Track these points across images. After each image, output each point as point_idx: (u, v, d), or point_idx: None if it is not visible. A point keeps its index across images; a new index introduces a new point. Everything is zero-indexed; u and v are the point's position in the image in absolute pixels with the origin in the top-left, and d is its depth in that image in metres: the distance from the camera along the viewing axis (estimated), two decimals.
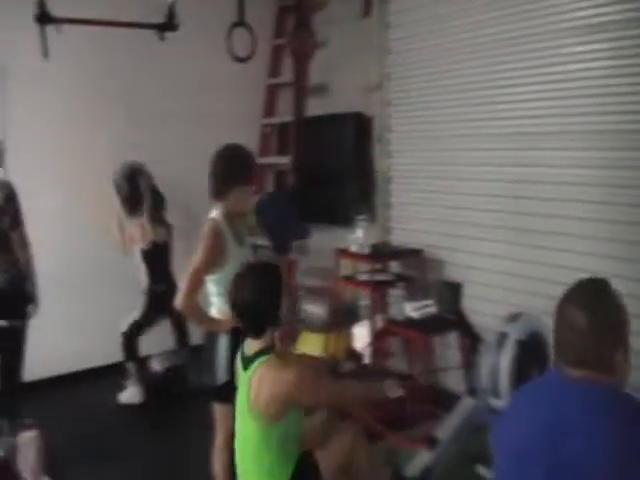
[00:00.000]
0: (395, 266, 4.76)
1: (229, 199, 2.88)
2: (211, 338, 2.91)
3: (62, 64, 4.59)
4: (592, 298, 1.75)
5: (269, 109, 5.84)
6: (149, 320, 4.69)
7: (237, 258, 2.84)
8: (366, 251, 4.35)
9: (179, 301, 2.74)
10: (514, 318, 3.20)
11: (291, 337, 5.06)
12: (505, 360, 3.09)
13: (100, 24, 4.34)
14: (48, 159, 4.85)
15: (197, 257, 2.78)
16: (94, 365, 5.06)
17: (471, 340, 3.30)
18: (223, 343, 2.87)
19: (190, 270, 2.76)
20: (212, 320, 2.89)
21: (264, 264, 2.56)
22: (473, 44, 4.27)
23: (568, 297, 1.77)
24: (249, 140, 5.69)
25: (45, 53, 4.09)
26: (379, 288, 4.26)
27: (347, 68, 5.29)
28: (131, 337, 4.65)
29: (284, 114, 5.78)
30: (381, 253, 4.49)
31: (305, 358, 3.04)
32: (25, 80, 4.70)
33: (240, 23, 4.09)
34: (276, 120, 5.80)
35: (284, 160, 5.36)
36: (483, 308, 3.99)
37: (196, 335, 4.68)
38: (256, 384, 2.32)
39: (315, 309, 4.81)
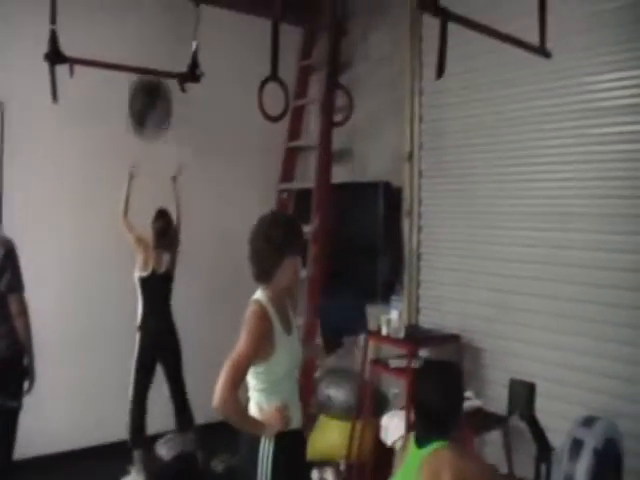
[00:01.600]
0: (424, 351, 4.48)
1: (278, 276, 2.56)
2: (252, 443, 2.53)
3: (68, 107, 4.29)
4: None
5: (287, 174, 5.66)
6: (145, 364, 4.47)
7: (285, 348, 2.53)
8: (401, 335, 4.10)
9: (217, 397, 2.32)
10: (589, 422, 2.97)
11: (307, 423, 4.85)
12: (581, 472, 2.86)
13: (120, 69, 4.14)
14: (49, 211, 4.64)
15: (240, 345, 2.43)
16: (97, 443, 4.75)
17: (538, 444, 3.03)
18: (267, 450, 2.51)
19: (231, 360, 2.39)
20: (255, 422, 2.50)
21: (448, 363, 2.77)
22: (509, 118, 4.16)
23: None
24: (265, 206, 5.51)
25: (54, 96, 3.85)
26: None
27: (374, 134, 5.19)
28: (136, 400, 4.41)
29: (301, 180, 5.62)
30: (417, 338, 4.22)
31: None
32: (26, 121, 4.49)
33: (273, 78, 3.88)
34: (295, 186, 5.62)
35: (306, 229, 5.11)
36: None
37: (201, 413, 4.43)
38: (433, 465, 2.28)
39: (338, 393, 4.51)
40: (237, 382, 2.37)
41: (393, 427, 4.10)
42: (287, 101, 4.05)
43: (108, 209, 4.68)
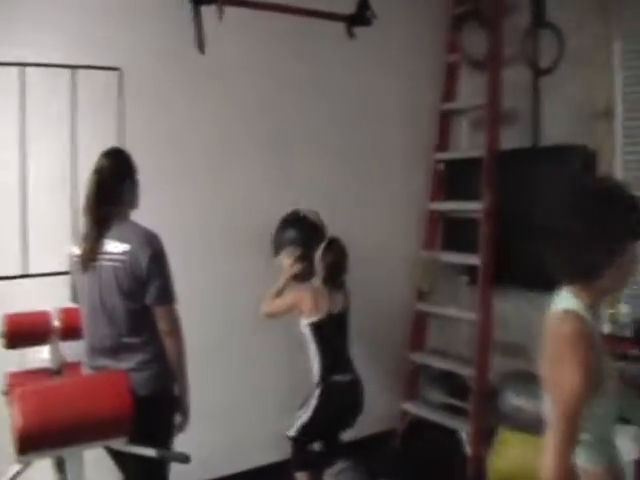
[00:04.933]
0: None
1: (609, 274, 1.76)
2: None
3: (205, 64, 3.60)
4: None
5: (442, 141, 4.97)
6: (325, 424, 3.66)
7: (610, 377, 1.80)
8: (628, 333, 3.40)
9: (553, 466, 1.66)
10: None
11: (483, 436, 4.29)
12: None
13: (276, 9, 3.55)
14: (177, 199, 3.97)
15: (567, 384, 1.69)
16: (251, 466, 4.25)
17: None
18: None
19: (561, 409, 1.70)
20: None
21: None
22: None
23: None
24: (417, 180, 4.88)
25: (201, 45, 3.25)
26: None
27: (550, 89, 4.42)
28: (303, 445, 3.65)
29: (455, 147, 4.98)
30: None
31: None
32: (147, 88, 3.78)
33: (474, 14, 3.21)
34: (456, 155, 4.94)
35: (474, 206, 4.41)
36: None
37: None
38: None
39: (529, 404, 3.86)
40: (573, 439, 1.69)
41: None
42: (493, 45, 3.40)
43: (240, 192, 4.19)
